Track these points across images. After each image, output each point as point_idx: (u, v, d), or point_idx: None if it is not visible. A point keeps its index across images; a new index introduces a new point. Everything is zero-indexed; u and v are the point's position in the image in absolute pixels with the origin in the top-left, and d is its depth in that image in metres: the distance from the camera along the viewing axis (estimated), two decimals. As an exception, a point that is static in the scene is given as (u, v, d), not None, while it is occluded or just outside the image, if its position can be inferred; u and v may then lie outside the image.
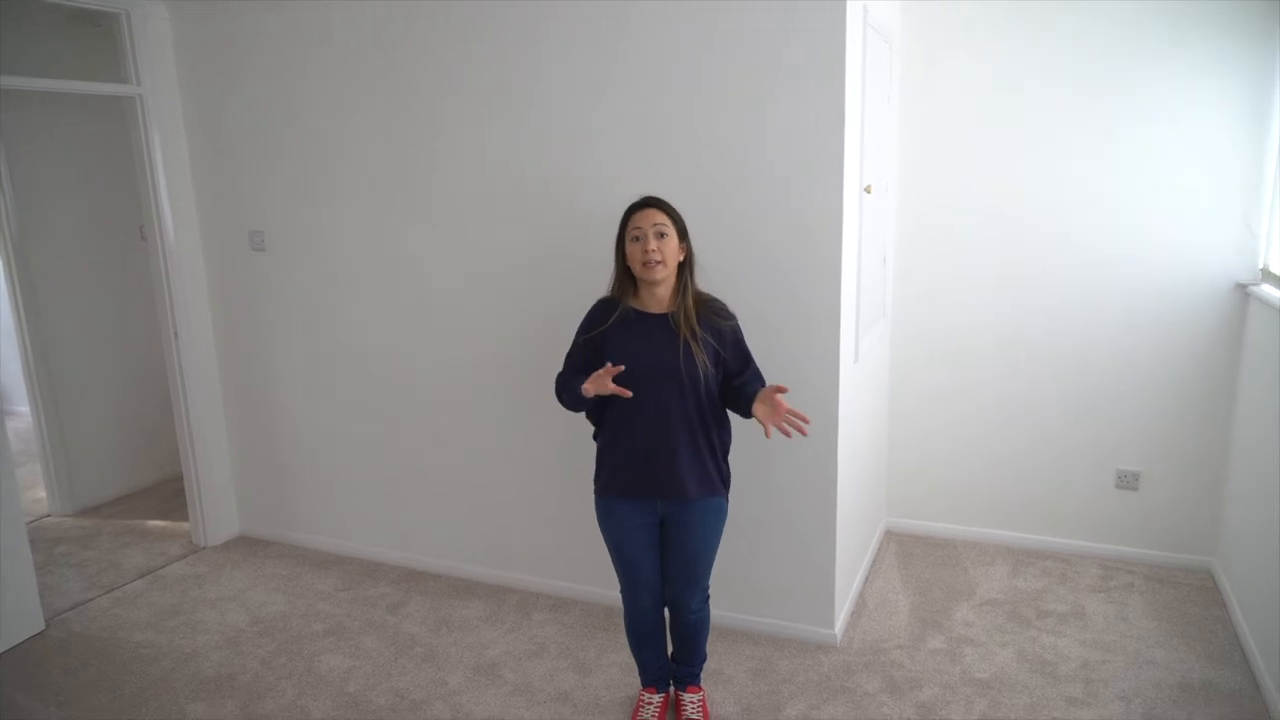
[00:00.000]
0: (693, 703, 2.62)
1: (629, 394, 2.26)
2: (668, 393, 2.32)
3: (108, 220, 4.49)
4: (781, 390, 2.27)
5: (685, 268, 2.37)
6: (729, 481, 2.51)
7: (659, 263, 2.29)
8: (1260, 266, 3.18)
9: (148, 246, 3.75)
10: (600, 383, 2.26)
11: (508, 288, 3.23)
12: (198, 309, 3.82)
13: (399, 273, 3.42)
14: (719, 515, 2.48)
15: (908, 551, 3.72)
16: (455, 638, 3.13)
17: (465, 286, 3.30)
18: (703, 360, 2.31)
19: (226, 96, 3.59)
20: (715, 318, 2.38)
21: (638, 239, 2.30)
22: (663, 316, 2.36)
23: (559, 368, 2.50)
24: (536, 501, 3.37)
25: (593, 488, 2.50)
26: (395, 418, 3.58)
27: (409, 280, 3.41)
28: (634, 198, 2.38)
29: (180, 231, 3.71)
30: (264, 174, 3.59)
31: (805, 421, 2.25)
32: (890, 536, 3.87)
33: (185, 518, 4.09)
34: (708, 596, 2.57)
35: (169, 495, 4.56)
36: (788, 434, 2.28)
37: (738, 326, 2.42)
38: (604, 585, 3.22)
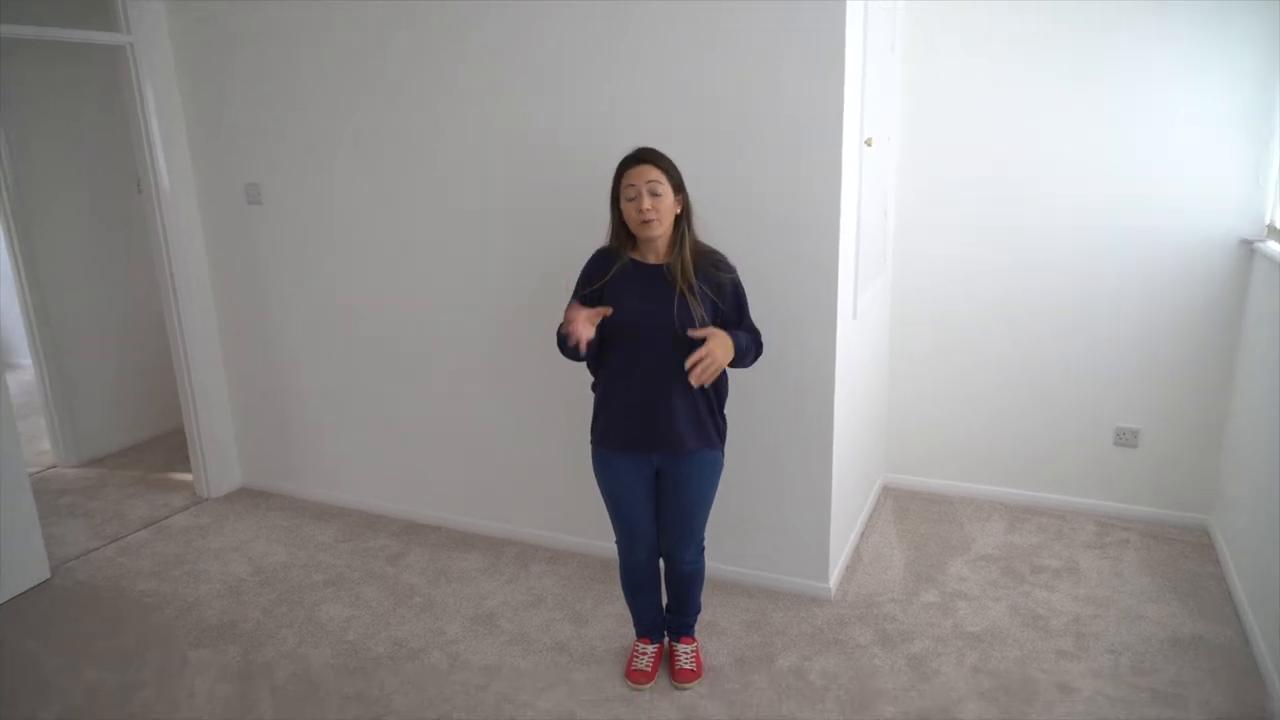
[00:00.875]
0: (686, 653, 2.65)
1: (608, 310, 2.26)
2: (663, 344, 2.31)
3: (106, 171, 4.46)
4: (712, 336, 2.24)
5: (682, 219, 2.34)
6: (724, 435, 2.51)
7: (654, 220, 2.26)
8: (1267, 222, 3.13)
9: (144, 199, 3.72)
10: (577, 323, 2.22)
11: (509, 240, 3.20)
12: (195, 262, 3.81)
13: (398, 225, 3.39)
14: (714, 468, 2.49)
15: (904, 507, 3.73)
16: (454, 588, 3.17)
17: (466, 239, 3.27)
18: (699, 313, 2.29)
19: (220, 46, 3.53)
20: (714, 270, 2.36)
21: (632, 198, 2.27)
22: (660, 268, 2.34)
23: (560, 321, 2.48)
24: (536, 455, 3.38)
25: (589, 439, 2.51)
26: (396, 371, 3.58)
27: (409, 232, 3.38)
28: (633, 149, 2.34)
29: (176, 184, 3.68)
30: (260, 126, 3.55)
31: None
32: (888, 492, 3.89)
33: (188, 470, 4.13)
34: (703, 549, 2.59)
35: (173, 447, 4.59)
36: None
37: (738, 280, 2.40)
38: (602, 538, 3.24)
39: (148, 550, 3.52)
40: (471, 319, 3.35)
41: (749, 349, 2.38)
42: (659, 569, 2.63)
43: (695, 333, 2.25)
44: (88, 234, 4.42)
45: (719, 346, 2.24)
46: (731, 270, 2.39)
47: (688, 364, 2.22)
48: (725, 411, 2.50)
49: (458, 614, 3.01)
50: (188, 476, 4.16)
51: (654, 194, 2.25)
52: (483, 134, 3.12)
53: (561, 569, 3.29)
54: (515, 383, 3.33)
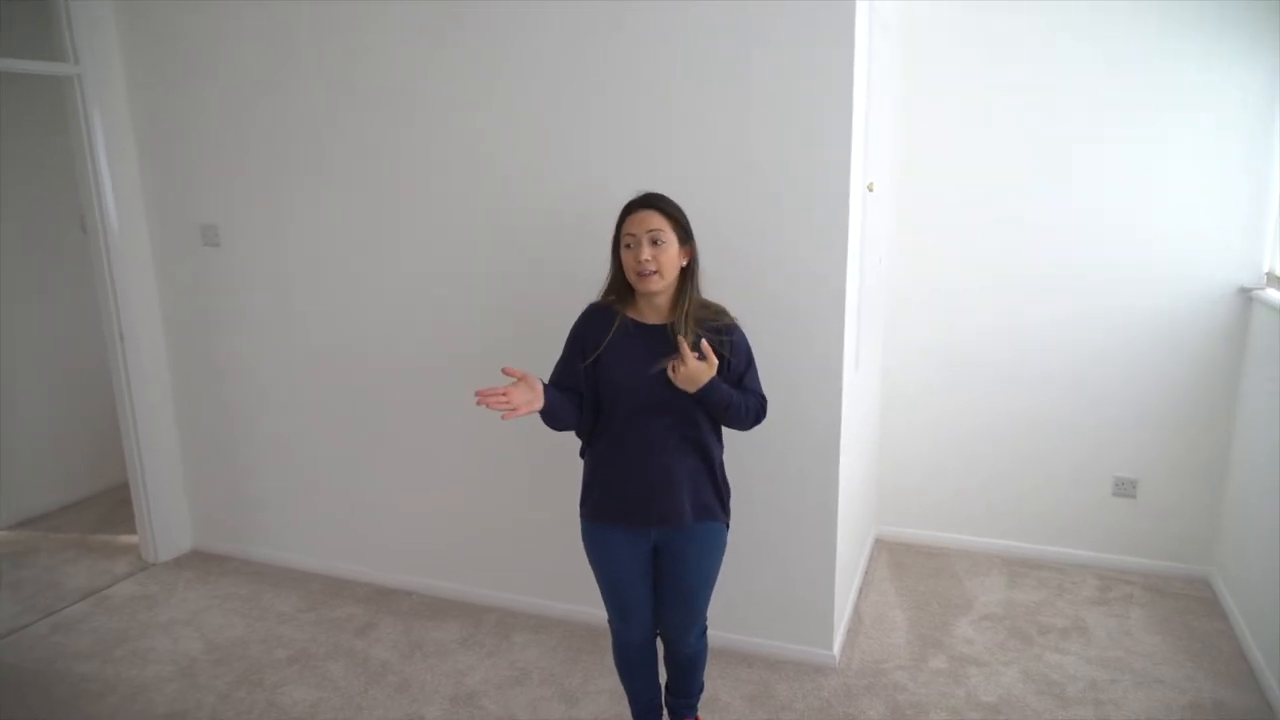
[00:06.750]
0: (691, 737, 2.45)
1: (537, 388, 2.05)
2: (661, 411, 2.13)
3: (46, 209, 4.16)
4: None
5: (687, 275, 2.16)
6: (729, 506, 2.31)
7: (654, 273, 2.08)
8: (1265, 270, 3.10)
9: (89, 239, 3.45)
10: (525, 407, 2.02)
11: (486, 289, 3.01)
12: (146, 307, 3.54)
13: (366, 272, 3.18)
14: (718, 544, 2.28)
15: (900, 561, 3.59)
16: (430, 664, 2.92)
17: (440, 288, 3.08)
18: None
19: (175, 78, 3.30)
20: (713, 334, 2.13)
21: (630, 245, 2.09)
22: (661, 328, 2.16)
23: (540, 372, 2.28)
24: (517, 516, 3.16)
25: (578, 507, 2.29)
26: (364, 425, 3.34)
27: (377, 279, 3.17)
28: (629, 197, 2.17)
29: (125, 224, 3.42)
30: (220, 164, 3.32)
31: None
32: (880, 545, 3.75)
33: (133, 531, 3.80)
34: (706, 629, 2.39)
35: (115, 505, 4.26)
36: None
37: (738, 341, 2.18)
38: (587, 604, 3.03)
39: (87, 626, 3.20)
40: (447, 371, 3.14)
41: (741, 405, 2.15)
42: (656, 649, 2.42)
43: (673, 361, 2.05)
44: (24, 274, 4.11)
45: (695, 365, 2.02)
46: (729, 331, 2.17)
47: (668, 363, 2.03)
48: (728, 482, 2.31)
49: (436, 694, 2.76)
50: (132, 539, 3.83)
51: (655, 243, 2.07)
52: (462, 180, 2.93)
53: (546, 639, 3.06)
54: (495, 439, 3.11)
